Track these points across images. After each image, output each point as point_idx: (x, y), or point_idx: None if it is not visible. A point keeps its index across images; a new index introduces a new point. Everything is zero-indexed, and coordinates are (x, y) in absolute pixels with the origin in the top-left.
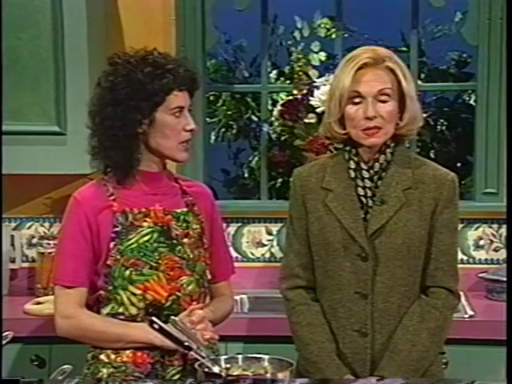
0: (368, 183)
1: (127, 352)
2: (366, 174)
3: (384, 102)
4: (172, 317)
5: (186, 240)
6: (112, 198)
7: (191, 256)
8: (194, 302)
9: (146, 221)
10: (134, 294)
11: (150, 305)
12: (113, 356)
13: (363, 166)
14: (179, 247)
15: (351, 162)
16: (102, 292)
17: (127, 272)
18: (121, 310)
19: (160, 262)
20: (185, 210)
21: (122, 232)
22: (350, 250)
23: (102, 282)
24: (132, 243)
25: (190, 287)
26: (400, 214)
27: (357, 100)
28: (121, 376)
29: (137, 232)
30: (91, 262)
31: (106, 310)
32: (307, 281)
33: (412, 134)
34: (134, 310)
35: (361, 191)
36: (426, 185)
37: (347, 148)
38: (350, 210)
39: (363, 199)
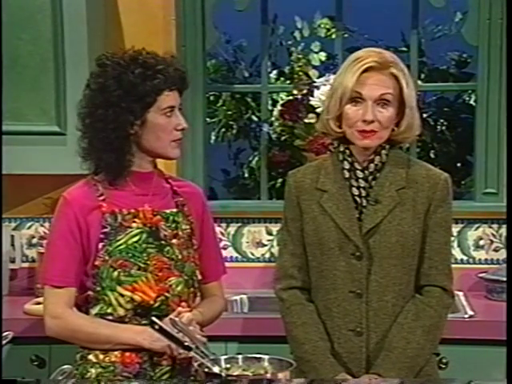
0: (362, 183)
1: (116, 352)
2: (360, 175)
3: (383, 107)
4: (172, 316)
5: (174, 241)
6: (101, 198)
7: (180, 257)
8: (183, 303)
9: (134, 221)
10: (122, 295)
11: (138, 306)
12: (101, 356)
13: (357, 166)
14: (168, 248)
15: (345, 162)
16: (90, 292)
17: (115, 273)
18: (109, 310)
19: (148, 262)
20: (174, 210)
21: (110, 233)
22: (344, 250)
23: (91, 282)
24: (120, 244)
25: (178, 288)
26: (394, 213)
27: (357, 101)
28: (109, 376)
29: (125, 233)
30: (80, 262)
31: (94, 311)
32: (302, 281)
33: (407, 141)
34: (121, 311)
35: (355, 191)
36: (420, 184)
37: (341, 149)
38: (345, 209)
39: (357, 199)
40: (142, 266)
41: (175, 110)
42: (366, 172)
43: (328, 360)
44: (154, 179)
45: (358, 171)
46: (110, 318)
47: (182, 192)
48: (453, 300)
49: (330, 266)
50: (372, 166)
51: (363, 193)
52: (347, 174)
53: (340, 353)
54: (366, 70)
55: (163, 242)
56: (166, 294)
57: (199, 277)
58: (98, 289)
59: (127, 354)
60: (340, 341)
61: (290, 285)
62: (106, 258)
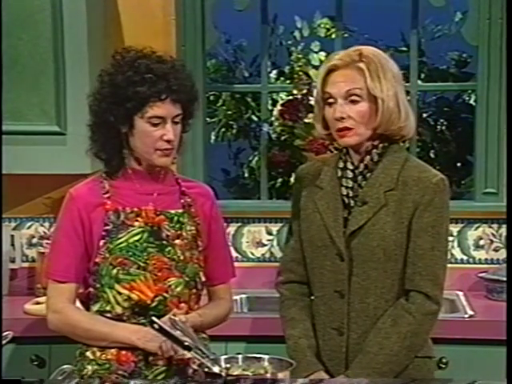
0: (350, 183)
1: (112, 350)
2: (349, 174)
3: (355, 102)
4: (172, 316)
5: (177, 241)
6: (107, 195)
7: (182, 257)
8: (182, 304)
9: (137, 220)
10: (120, 293)
11: (135, 305)
12: (98, 353)
13: (349, 165)
14: (169, 248)
15: (340, 161)
16: (91, 289)
17: (114, 271)
18: (108, 308)
19: (148, 262)
20: (180, 211)
21: (112, 230)
22: (329, 249)
23: (92, 279)
24: (121, 242)
25: (178, 289)
26: (378, 215)
27: (330, 101)
28: (104, 374)
29: (127, 231)
30: (83, 258)
31: (95, 307)
32: (300, 276)
33: (398, 136)
34: (119, 309)
35: (344, 191)
36: (409, 187)
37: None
38: (333, 209)
39: (345, 199)
40: (142, 265)
41: (166, 121)
42: (356, 172)
43: (305, 358)
44: (161, 179)
45: (348, 171)
46: (109, 315)
47: (190, 193)
48: (437, 306)
49: (318, 264)
50: (362, 165)
51: (351, 193)
52: (340, 173)
53: (324, 350)
54: (331, 70)
55: (165, 242)
56: (165, 295)
57: (203, 278)
58: (98, 286)
59: (123, 352)
60: (324, 338)
61: (289, 279)
62: (107, 255)
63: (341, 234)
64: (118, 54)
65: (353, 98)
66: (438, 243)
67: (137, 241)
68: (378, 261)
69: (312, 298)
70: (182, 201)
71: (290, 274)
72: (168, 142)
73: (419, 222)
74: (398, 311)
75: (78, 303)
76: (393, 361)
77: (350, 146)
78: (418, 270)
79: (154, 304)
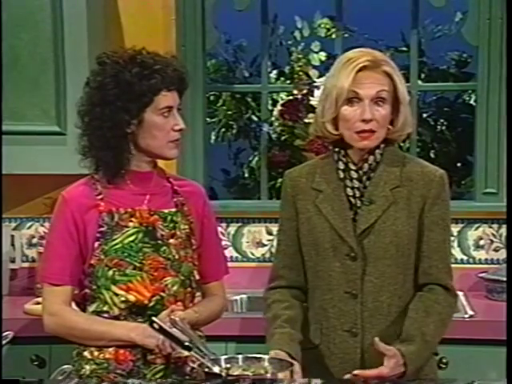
0: (356, 183)
1: (110, 349)
2: (354, 175)
3: (380, 105)
4: (172, 316)
5: (172, 240)
6: (100, 197)
7: (177, 256)
8: (179, 303)
9: (131, 221)
10: (117, 294)
11: (132, 305)
12: (96, 353)
13: (352, 166)
14: (164, 248)
15: (340, 163)
16: (87, 291)
17: (110, 272)
18: (105, 308)
19: (144, 262)
20: (173, 210)
21: (107, 232)
22: (339, 250)
23: (87, 281)
24: (116, 243)
25: (174, 288)
26: (388, 213)
27: (354, 101)
28: (103, 373)
29: (122, 232)
30: (77, 260)
31: (91, 308)
32: (292, 281)
33: (401, 139)
34: (116, 310)
35: (349, 192)
36: (414, 182)
37: (336, 149)
38: (339, 210)
39: (352, 199)
40: (138, 265)
41: (173, 111)
42: (360, 172)
43: (281, 333)
44: (154, 179)
45: (352, 171)
46: (106, 315)
47: (182, 191)
48: (455, 299)
49: (325, 266)
50: (366, 165)
51: (357, 193)
52: (342, 175)
53: (335, 353)
54: (360, 70)
55: (160, 242)
56: (162, 294)
57: (197, 277)
58: (94, 287)
59: (121, 351)
60: (335, 341)
61: (278, 285)
62: (102, 257)
63: (352, 234)
64: (105, 57)
65: (379, 100)
66: (447, 236)
67: (132, 241)
68: (391, 257)
69: (305, 303)
70: (175, 200)
71: (281, 281)
72: (179, 131)
73: (429, 215)
74: (425, 303)
75: (73, 305)
76: (432, 348)
77: (367, 148)
78: (435, 263)
79: (151, 304)
